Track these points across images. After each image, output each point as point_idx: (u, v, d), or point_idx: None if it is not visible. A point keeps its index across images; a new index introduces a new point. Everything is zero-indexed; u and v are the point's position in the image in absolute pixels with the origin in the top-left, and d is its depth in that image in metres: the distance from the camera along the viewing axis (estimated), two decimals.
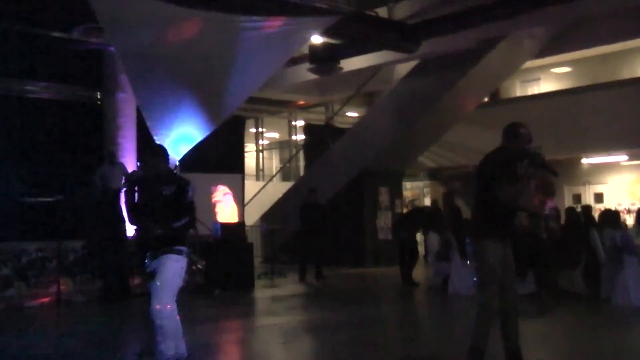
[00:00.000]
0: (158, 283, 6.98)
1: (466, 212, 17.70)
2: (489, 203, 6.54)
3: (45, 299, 13.53)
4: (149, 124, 15.32)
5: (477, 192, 6.78)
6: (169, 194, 7.12)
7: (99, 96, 18.04)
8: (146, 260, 7.15)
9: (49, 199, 15.18)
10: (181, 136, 15.53)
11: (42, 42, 16.74)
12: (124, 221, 14.54)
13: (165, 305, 6.92)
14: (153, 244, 7.12)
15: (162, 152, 7.54)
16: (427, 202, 27.13)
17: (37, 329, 11.20)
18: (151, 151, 7.53)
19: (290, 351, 9.15)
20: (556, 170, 6.75)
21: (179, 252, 7.12)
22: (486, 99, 23.63)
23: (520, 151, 6.61)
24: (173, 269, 7.06)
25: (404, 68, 22.81)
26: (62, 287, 13.60)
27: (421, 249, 17.18)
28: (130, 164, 16.49)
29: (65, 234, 14.27)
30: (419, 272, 16.39)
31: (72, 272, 14.02)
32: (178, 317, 7.06)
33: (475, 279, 6.77)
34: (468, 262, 13.35)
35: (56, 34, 16.71)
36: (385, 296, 15.40)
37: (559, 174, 6.78)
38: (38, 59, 17.14)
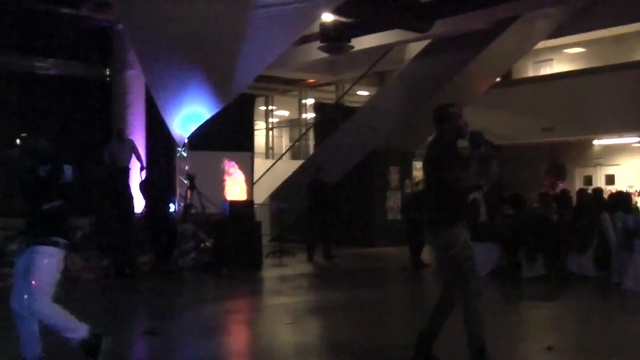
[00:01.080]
0: (32, 282, 6.23)
1: None
2: (444, 190, 6.34)
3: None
4: (157, 101, 15.25)
5: (428, 183, 6.70)
6: (43, 175, 6.46)
7: (107, 73, 17.96)
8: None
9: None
10: (190, 114, 15.46)
11: (50, 18, 16.66)
12: (132, 198, 14.51)
13: (41, 303, 6.24)
14: (24, 230, 6.58)
15: None
16: None
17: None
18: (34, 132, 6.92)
19: (296, 331, 9.09)
20: (498, 146, 6.85)
21: (54, 244, 6.43)
22: (498, 80, 23.43)
23: (458, 133, 6.56)
24: (46, 267, 6.34)
25: (415, 48, 22.66)
26: (69, 264, 13.56)
27: None
28: (139, 141, 16.44)
29: (73, 211, 14.21)
30: (428, 253, 16.28)
31: (80, 249, 13.97)
32: (57, 307, 6.41)
33: (451, 269, 6.36)
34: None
35: (65, 10, 16.64)
36: (394, 277, 15.34)
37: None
38: (47, 36, 17.05)
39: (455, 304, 6.39)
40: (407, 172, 22.14)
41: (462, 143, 6.47)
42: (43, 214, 6.40)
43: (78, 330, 6.38)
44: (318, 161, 19.87)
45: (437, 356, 6.44)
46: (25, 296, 6.23)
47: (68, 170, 6.54)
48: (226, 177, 17.18)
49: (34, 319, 6.35)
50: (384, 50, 23.01)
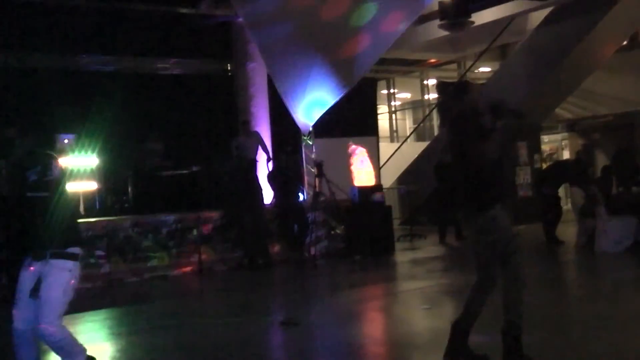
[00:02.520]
0: (42, 300, 5.52)
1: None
2: (474, 168, 5.91)
3: (188, 269, 13.73)
4: (280, 91, 15.29)
5: (456, 164, 6.17)
6: (35, 179, 5.57)
7: (229, 68, 18.15)
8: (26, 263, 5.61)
9: (186, 171, 15.40)
10: (313, 101, 15.44)
11: (170, 19, 16.95)
12: (261, 189, 14.59)
13: (50, 324, 5.52)
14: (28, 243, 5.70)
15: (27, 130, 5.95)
16: (566, 155, 26.24)
17: (182, 297, 11.40)
18: (19, 130, 5.94)
19: (435, 316, 8.90)
20: (521, 113, 6.41)
21: (72, 257, 5.68)
22: (625, 43, 22.51)
23: (476, 105, 6.05)
24: (63, 284, 5.61)
25: (537, 17, 21.97)
26: (203, 257, 13.77)
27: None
28: (264, 132, 16.53)
29: (204, 205, 14.43)
30: (563, 230, 15.80)
31: (212, 241, 14.16)
32: (67, 330, 5.79)
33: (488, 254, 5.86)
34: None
35: (184, 10, 16.89)
36: (529, 255, 14.93)
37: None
38: (167, 36, 17.36)
39: (492, 288, 6.01)
40: (535, 146, 21.58)
41: None
42: (55, 223, 5.54)
43: (79, 355, 5.78)
44: (444, 142, 19.57)
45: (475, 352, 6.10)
46: (36, 316, 5.53)
47: (54, 166, 5.65)
48: (353, 163, 17.09)
49: (37, 341, 5.77)
50: (505, 23, 22.40)
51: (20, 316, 5.60)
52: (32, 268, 5.56)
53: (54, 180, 5.55)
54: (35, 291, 5.46)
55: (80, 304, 11.15)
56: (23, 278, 5.60)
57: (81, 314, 10.07)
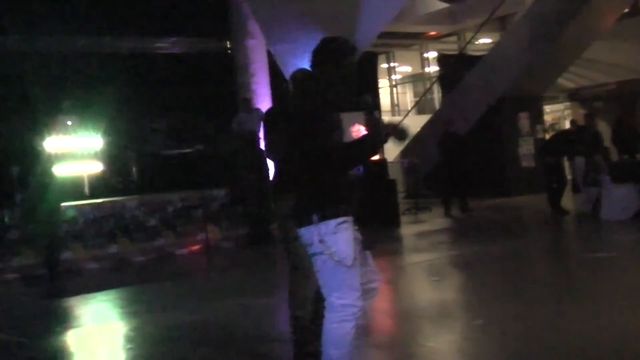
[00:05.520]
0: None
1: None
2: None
3: (194, 247, 13.77)
4: (281, 66, 15.26)
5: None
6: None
7: (228, 45, 18.11)
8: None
9: (189, 150, 15.42)
10: None
11: None
12: (267, 166, 14.59)
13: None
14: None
15: None
16: (568, 125, 26.20)
17: (190, 276, 11.47)
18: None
19: (446, 288, 8.94)
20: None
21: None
22: (627, 10, 22.41)
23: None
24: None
25: None
26: (209, 235, 13.80)
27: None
28: (266, 109, 16.51)
29: (208, 183, 14.45)
30: (568, 199, 15.82)
31: (217, 219, 14.19)
32: None
33: None
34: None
35: None
36: (535, 226, 14.97)
37: None
38: (165, 15, 17.31)
39: None
40: (537, 116, 21.57)
41: None
42: None
43: None
44: (446, 114, 19.54)
45: None
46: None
47: None
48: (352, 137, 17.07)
49: None
50: None
51: None
52: None
53: None
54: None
55: (90, 284, 11.31)
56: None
57: (92, 294, 10.16)
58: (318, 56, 4.53)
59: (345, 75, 4.49)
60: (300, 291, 5.62)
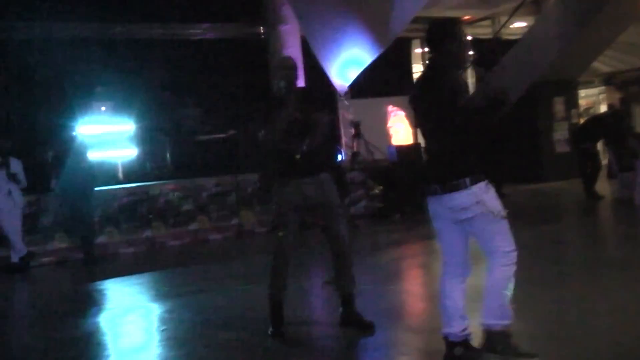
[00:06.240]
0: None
1: None
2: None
3: (228, 232, 13.82)
4: (316, 52, 15.24)
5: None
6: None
7: (262, 31, 18.11)
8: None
9: (223, 135, 15.45)
10: (349, 61, 15.37)
11: None
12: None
13: None
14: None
15: None
16: (603, 109, 25.96)
17: (223, 260, 11.52)
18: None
19: (478, 272, 8.88)
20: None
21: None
22: None
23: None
24: None
25: None
26: (242, 220, 13.86)
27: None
28: None
29: (242, 168, 14.48)
30: (603, 184, 15.67)
31: (250, 204, 14.23)
32: None
33: None
34: None
35: None
36: (570, 211, 14.86)
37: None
38: (199, 2, 17.35)
39: None
40: (572, 101, 21.36)
41: None
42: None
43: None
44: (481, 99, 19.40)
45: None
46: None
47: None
48: (391, 122, 17.02)
49: None
50: None
51: None
52: None
53: None
54: None
55: (124, 267, 11.40)
56: None
57: (126, 277, 10.25)
58: (437, 36, 5.01)
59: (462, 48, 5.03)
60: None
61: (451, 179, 4.74)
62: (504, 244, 4.88)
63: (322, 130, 6.26)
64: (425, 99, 4.98)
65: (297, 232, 6.49)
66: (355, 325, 6.36)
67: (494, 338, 4.92)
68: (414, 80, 5.09)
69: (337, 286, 6.54)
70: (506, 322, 4.91)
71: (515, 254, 4.90)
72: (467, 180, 4.71)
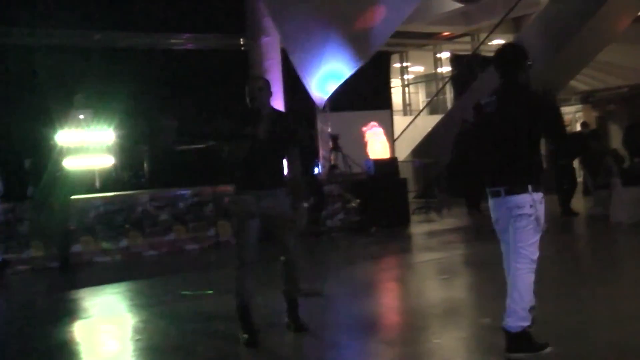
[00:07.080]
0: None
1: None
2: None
3: (205, 242, 13.81)
4: (295, 64, 15.28)
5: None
6: None
7: (242, 42, 18.14)
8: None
9: (201, 146, 15.41)
10: (329, 74, 15.42)
11: None
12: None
13: None
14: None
15: None
16: (579, 127, 26.17)
17: (201, 270, 11.51)
18: None
19: (454, 286, 8.96)
20: None
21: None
22: None
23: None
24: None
25: None
26: (219, 230, 13.85)
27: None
28: (279, 106, 16.53)
29: (220, 179, 14.46)
30: (578, 201, 15.79)
31: (228, 215, 14.22)
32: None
33: None
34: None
35: None
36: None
37: None
38: (180, 12, 17.37)
39: None
40: None
41: None
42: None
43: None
44: (461, 115, 19.51)
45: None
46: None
47: None
48: (367, 136, 17.10)
49: None
50: None
51: None
52: None
53: None
54: None
55: (99, 276, 11.36)
56: None
57: (101, 287, 10.21)
58: (519, 56, 5.59)
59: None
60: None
61: (516, 183, 5.42)
62: (532, 249, 5.47)
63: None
64: (507, 111, 5.48)
65: (257, 240, 6.67)
66: (294, 327, 6.80)
67: (517, 339, 5.45)
68: (491, 92, 5.18)
69: (283, 291, 6.93)
70: (527, 323, 5.44)
71: (535, 264, 5.50)
72: (530, 187, 5.39)
